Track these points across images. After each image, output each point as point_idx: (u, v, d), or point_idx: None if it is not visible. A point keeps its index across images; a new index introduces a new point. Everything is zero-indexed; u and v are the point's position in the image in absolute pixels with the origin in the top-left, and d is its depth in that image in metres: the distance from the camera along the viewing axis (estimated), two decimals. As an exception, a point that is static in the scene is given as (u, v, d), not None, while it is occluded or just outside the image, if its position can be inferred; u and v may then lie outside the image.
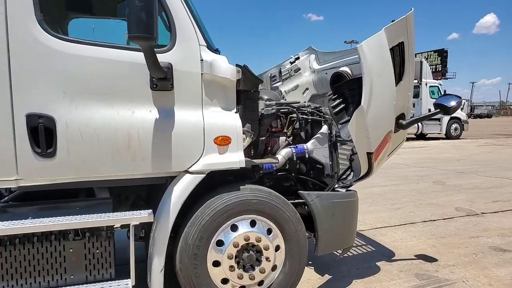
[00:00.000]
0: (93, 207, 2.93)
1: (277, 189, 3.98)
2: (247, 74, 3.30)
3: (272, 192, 3.24)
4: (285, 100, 4.69)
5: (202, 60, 3.01)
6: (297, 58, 5.57)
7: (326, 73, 4.99)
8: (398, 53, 3.61)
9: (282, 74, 5.59)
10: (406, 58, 3.68)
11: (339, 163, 4.16)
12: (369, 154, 3.55)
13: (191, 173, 2.98)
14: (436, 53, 52.17)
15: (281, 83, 5.60)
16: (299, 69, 5.54)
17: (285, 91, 5.52)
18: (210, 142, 3.00)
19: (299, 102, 4.01)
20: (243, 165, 3.09)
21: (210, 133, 3.01)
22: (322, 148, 3.96)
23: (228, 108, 3.18)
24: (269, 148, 3.97)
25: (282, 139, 4.02)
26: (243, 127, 3.27)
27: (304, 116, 3.96)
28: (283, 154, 3.78)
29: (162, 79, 2.84)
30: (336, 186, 3.97)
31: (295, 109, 3.90)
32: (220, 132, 3.03)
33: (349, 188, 4.02)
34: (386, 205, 7.01)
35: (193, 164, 2.97)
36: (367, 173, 3.71)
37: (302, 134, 4.12)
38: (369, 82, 3.31)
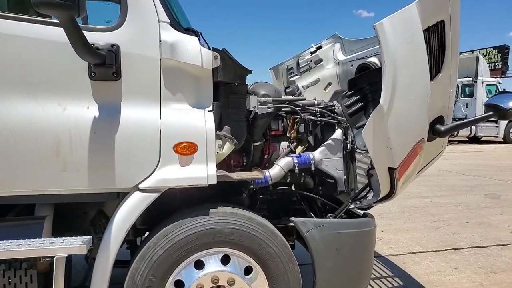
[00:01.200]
0: (19, 228, 2.30)
1: (275, 208, 3.22)
2: (227, 61, 2.53)
3: (254, 218, 2.45)
4: (303, 97, 3.84)
5: (161, 41, 2.28)
6: (319, 48, 4.71)
7: (352, 65, 4.11)
8: (435, 35, 2.68)
9: (300, 66, 4.75)
10: (448, 42, 2.74)
11: (356, 177, 3.28)
12: (391, 170, 2.66)
13: (142, 190, 2.26)
14: (496, 50, 48.22)
15: (298, 76, 4.76)
16: (320, 60, 4.67)
17: (302, 86, 4.67)
18: (169, 150, 2.27)
19: (305, 99, 3.17)
20: (213, 181, 2.33)
21: (168, 138, 2.27)
22: (334, 158, 3.11)
23: (200, 105, 2.44)
24: (266, 156, 3.17)
25: (284, 145, 3.21)
26: (219, 130, 2.51)
27: (311, 117, 3.13)
28: (281, 164, 2.98)
29: (99, 66, 2.14)
30: (352, 206, 3.10)
31: (299, 108, 3.07)
32: (182, 137, 2.29)
33: (366, 211, 3.14)
34: (424, 222, 5.96)
35: (144, 179, 2.25)
36: (389, 195, 2.82)
37: (311, 139, 3.29)
38: (391, 74, 2.43)
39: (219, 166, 2.93)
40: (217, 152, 2.49)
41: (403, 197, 6.89)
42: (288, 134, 3.13)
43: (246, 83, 2.74)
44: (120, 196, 2.37)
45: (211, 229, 2.31)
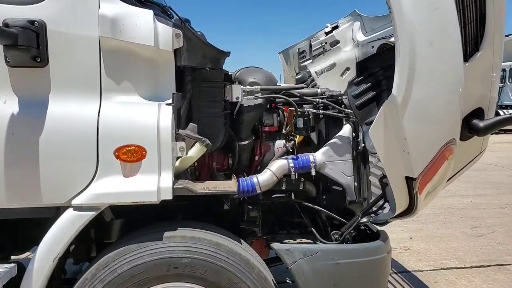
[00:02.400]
0: None
1: (269, 221, 2.67)
2: (193, 40, 1.97)
3: (223, 244, 1.90)
4: (317, 86, 3.21)
5: (99, 15, 1.77)
6: (336, 27, 4.04)
7: (373, 46, 3.43)
8: (472, 1, 2.00)
9: (313, 49, 4.11)
10: (490, 11, 2.05)
11: (370, 184, 2.66)
12: (409, 181, 2.03)
13: (76, 208, 1.77)
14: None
15: (311, 61, 4.11)
16: (337, 42, 3.99)
17: (316, 72, 4.00)
18: (109, 156, 1.76)
19: (303, 88, 2.56)
20: (167, 196, 1.80)
21: (108, 141, 1.77)
22: (340, 160, 2.50)
23: (156, 97, 1.91)
24: (257, 157, 2.61)
25: (279, 144, 2.63)
26: (182, 129, 1.97)
27: (312, 110, 2.53)
28: (273, 168, 2.41)
29: (12, 48, 1.65)
30: (365, 220, 2.49)
31: (295, 99, 2.48)
32: (126, 139, 1.78)
33: (381, 227, 2.53)
34: (463, 228, 5.18)
35: (78, 194, 1.76)
36: (408, 211, 2.19)
37: (313, 137, 2.69)
38: (407, 53, 1.80)
39: (195, 170, 2.43)
40: (180, 157, 1.96)
41: (439, 195, 6.10)
42: (283, 131, 2.54)
43: (222, 67, 2.18)
44: (61, 211, 1.90)
45: (165, 258, 1.79)
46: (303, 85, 2.54)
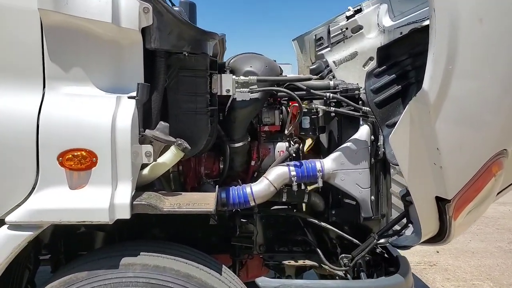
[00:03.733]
0: None
1: (267, 238, 2.25)
2: (166, 17, 1.55)
3: (194, 277, 1.49)
4: (330, 77, 2.75)
5: (39, -19, 1.37)
6: (359, 11, 3.54)
7: (401, 32, 2.95)
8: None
9: (332, 36, 3.62)
10: None
11: (390, 198, 2.20)
12: (441, 203, 1.57)
13: (11, 226, 1.40)
14: None
15: (329, 49, 3.62)
16: (360, 27, 3.50)
17: (334, 62, 3.52)
18: (51, 163, 1.38)
19: (310, 79, 2.10)
20: (124, 215, 1.41)
21: (51, 144, 1.38)
22: (355, 169, 2.05)
23: (115, 89, 1.52)
24: (253, 162, 2.19)
25: (281, 146, 2.20)
26: (151, 129, 1.56)
27: (321, 106, 2.08)
28: (271, 177, 1.99)
29: None
30: (382, 242, 2.04)
31: (299, 93, 2.04)
32: (72, 141, 1.39)
33: (400, 250, 2.07)
34: (499, 241, 4.59)
35: (12, 210, 1.39)
36: (439, 238, 1.73)
37: (323, 139, 2.24)
38: (447, 33, 1.32)
39: (179, 175, 2.03)
40: (149, 163, 1.56)
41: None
42: (285, 132, 2.11)
43: (207, 52, 1.75)
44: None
45: (114, 297, 1.40)
46: (311, 75, 2.09)
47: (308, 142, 2.22)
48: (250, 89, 1.91)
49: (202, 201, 1.54)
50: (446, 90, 1.37)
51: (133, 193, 1.44)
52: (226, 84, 1.88)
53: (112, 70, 1.52)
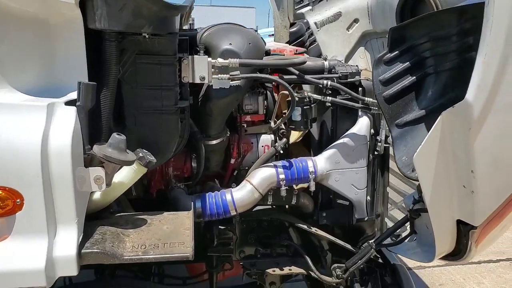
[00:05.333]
0: None
1: (248, 243, 1.96)
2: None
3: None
4: (323, 57, 2.23)
5: None
6: (344, -37, 3.11)
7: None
8: None
9: (313, -7, 3.19)
10: None
11: (387, 197, 1.94)
12: (463, 227, 1.31)
13: None
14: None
15: (310, 8, 3.18)
16: (344, -17, 3.11)
17: (315, 23, 3.11)
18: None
19: (304, 62, 1.69)
20: (71, 271, 1.04)
21: None
22: (351, 168, 1.75)
23: (47, 90, 1.09)
24: (233, 160, 1.83)
25: (265, 140, 1.85)
26: (97, 144, 1.15)
27: (315, 96, 1.71)
28: (255, 181, 1.66)
29: None
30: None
31: (293, 77, 1.66)
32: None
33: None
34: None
35: None
36: (455, 256, 1.49)
37: (314, 130, 1.90)
38: (505, 29, 0.97)
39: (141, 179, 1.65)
40: (98, 191, 1.17)
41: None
42: (272, 125, 1.75)
43: (175, 31, 1.32)
44: None
45: None
46: (305, 58, 1.69)
47: (295, 133, 1.88)
48: (231, 75, 1.51)
49: (176, 238, 1.19)
50: (492, 102, 1.05)
51: (80, 239, 1.06)
52: (200, 69, 1.47)
53: (40, 63, 1.08)
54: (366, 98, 1.66)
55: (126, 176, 1.25)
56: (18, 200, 0.97)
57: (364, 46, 3.15)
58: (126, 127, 1.34)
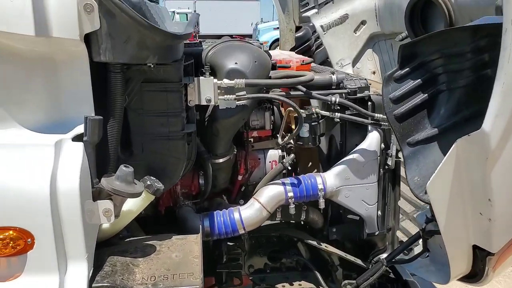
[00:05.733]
0: None
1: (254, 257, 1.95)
2: (120, 18, 1.07)
3: None
4: (331, 71, 2.10)
5: None
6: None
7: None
8: None
9: (319, -5, 3.14)
10: None
11: (398, 211, 1.92)
12: (480, 252, 1.29)
13: None
14: None
15: (316, 11, 3.14)
16: (351, -16, 3.08)
17: (321, 27, 3.09)
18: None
19: (311, 79, 1.65)
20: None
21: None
22: (362, 184, 1.73)
23: (52, 126, 1.07)
24: (239, 177, 1.82)
25: (273, 156, 1.83)
26: (104, 177, 1.14)
27: (323, 112, 1.68)
28: (263, 199, 1.64)
29: None
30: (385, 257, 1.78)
31: (300, 93, 1.63)
32: (-7, 218, 0.96)
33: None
34: None
35: None
36: (472, 279, 1.46)
37: (323, 144, 1.87)
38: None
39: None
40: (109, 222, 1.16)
41: None
42: (279, 141, 1.72)
43: (180, 59, 1.29)
44: None
45: None
46: (313, 75, 1.65)
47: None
48: (237, 96, 1.48)
49: (185, 268, 1.17)
50: (510, 132, 1.02)
51: (90, 273, 1.05)
52: (206, 91, 1.45)
53: (47, 99, 1.07)
54: (376, 114, 1.63)
55: (135, 204, 1.24)
56: (29, 239, 0.97)
57: (372, 48, 3.10)
58: (133, 154, 1.33)
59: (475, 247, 1.30)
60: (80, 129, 1.08)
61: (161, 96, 1.29)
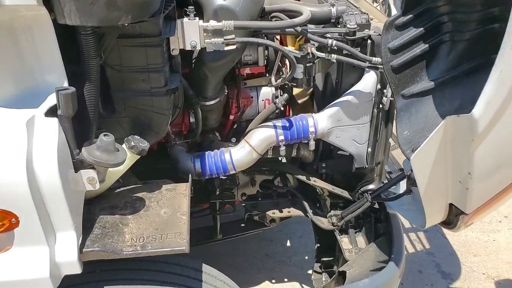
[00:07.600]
0: None
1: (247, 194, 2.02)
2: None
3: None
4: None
5: None
6: None
7: None
8: None
9: None
10: None
11: (389, 147, 1.93)
12: (454, 210, 1.33)
13: None
14: None
15: None
16: None
17: None
18: None
19: (306, 21, 1.49)
20: (74, 270, 1.13)
21: None
22: (354, 125, 1.71)
23: (20, 100, 1.04)
24: (231, 116, 1.79)
25: (266, 94, 1.78)
26: (85, 145, 1.13)
27: (319, 53, 1.57)
28: (253, 142, 1.65)
29: None
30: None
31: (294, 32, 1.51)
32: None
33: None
34: None
35: None
36: (448, 225, 1.54)
37: (319, 84, 1.79)
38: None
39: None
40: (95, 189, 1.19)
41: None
42: (273, 82, 1.65)
43: (158, 10, 1.17)
44: None
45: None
46: (307, 13, 1.47)
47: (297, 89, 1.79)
48: (225, 40, 1.38)
49: (172, 227, 1.24)
50: (498, 120, 0.96)
51: (79, 240, 1.12)
52: (190, 35, 1.34)
53: (12, 71, 1.00)
54: (374, 59, 1.52)
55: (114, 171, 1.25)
56: (13, 219, 1.01)
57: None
58: (115, 110, 1.30)
59: (451, 205, 1.34)
60: (52, 99, 1.04)
61: (139, 52, 1.20)
